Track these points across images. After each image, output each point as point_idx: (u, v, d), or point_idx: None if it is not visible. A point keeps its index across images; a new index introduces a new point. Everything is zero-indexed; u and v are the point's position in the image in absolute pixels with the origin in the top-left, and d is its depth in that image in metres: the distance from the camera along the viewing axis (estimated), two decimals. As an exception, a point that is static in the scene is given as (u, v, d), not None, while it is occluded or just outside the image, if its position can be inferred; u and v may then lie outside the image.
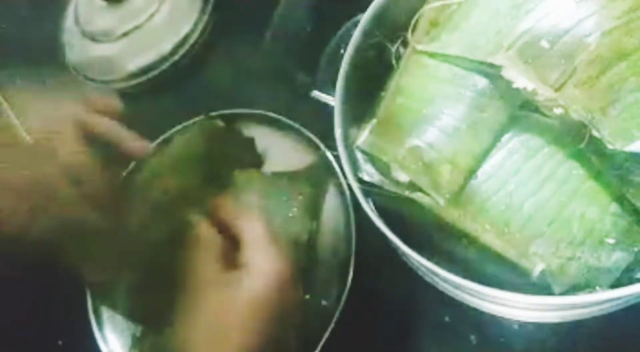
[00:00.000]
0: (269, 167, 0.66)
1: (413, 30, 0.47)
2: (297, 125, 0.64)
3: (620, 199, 0.38)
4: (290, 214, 0.59)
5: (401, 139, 0.42)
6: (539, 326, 0.46)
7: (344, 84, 0.45)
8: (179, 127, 0.66)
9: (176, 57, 0.78)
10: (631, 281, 0.36)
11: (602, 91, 0.38)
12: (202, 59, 0.78)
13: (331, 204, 0.59)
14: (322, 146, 0.59)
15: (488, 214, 0.39)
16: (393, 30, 0.47)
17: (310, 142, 0.63)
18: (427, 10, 0.47)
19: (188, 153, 0.62)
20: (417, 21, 0.47)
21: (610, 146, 0.37)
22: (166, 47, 0.78)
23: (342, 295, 0.52)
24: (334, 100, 0.44)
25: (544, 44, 0.39)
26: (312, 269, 0.57)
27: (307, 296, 0.55)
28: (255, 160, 0.65)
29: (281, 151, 0.65)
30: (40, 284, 0.55)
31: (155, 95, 0.78)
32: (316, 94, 0.48)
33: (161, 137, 0.66)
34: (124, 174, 0.58)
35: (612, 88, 0.38)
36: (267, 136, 0.67)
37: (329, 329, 0.50)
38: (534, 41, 0.40)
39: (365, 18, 0.46)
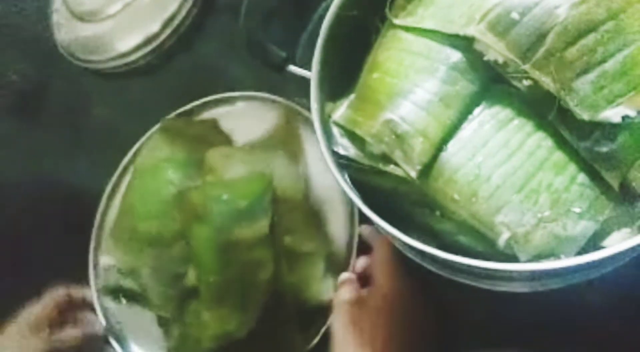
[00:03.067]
0: (243, 142, 0.68)
1: (390, 5, 0.47)
2: (261, 94, 0.66)
3: (588, 170, 0.39)
4: (277, 172, 0.61)
5: (375, 113, 0.43)
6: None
7: (321, 58, 0.46)
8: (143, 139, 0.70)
9: (163, 36, 0.79)
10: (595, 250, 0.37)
11: (571, 62, 0.38)
12: (187, 38, 0.79)
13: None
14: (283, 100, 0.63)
15: (457, 185, 0.39)
16: (371, 5, 0.48)
17: (280, 105, 0.66)
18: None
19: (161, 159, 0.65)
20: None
21: (578, 117, 0.38)
22: (154, 26, 0.79)
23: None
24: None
25: (515, 16, 0.40)
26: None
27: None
28: (225, 139, 0.67)
29: (252, 124, 0.67)
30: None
31: (143, 76, 0.78)
32: (293, 68, 0.49)
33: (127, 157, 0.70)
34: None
35: (581, 59, 0.38)
36: (234, 115, 0.69)
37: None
38: (505, 14, 0.40)
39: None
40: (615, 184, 0.37)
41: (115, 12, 0.79)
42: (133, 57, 0.79)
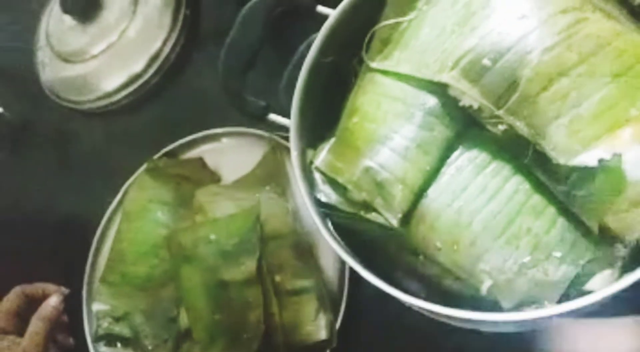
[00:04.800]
0: (230, 178, 0.68)
1: (367, 49, 0.48)
2: (246, 130, 0.67)
3: (567, 212, 0.39)
4: (265, 207, 0.61)
5: (355, 160, 0.43)
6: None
7: (299, 106, 0.46)
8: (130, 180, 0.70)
9: (148, 75, 0.79)
10: (579, 294, 0.37)
11: (544, 107, 0.38)
12: (173, 74, 0.79)
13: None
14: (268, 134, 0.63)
15: (438, 232, 0.40)
16: (347, 48, 0.48)
17: (266, 140, 0.66)
18: (380, 28, 0.48)
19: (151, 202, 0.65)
20: (370, 39, 0.48)
21: (554, 161, 0.38)
22: (138, 64, 0.79)
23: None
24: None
25: (487, 62, 0.40)
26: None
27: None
28: (212, 177, 0.67)
29: (239, 159, 0.67)
30: None
31: (129, 114, 0.79)
32: (273, 117, 0.49)
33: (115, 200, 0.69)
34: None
35: (555, 104, 0.38)
36: (221, 151, 0.69)
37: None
38: (477, 60, 0.40)
39: (318, 38, 0.46)
40: (594, 227, 0.38)
41: (98, 52, 0.79)
42: (118, 97, 0.79)
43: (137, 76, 0.79)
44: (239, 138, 0.69)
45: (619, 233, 0.38)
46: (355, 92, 0.47)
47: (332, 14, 0.47)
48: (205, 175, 0.68)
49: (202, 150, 0.70)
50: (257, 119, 0.49)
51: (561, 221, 0.39)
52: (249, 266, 0.57)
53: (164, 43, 0.80)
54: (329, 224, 0.43)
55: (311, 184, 0.44)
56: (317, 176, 0.45)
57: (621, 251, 0.38)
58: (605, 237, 0.38)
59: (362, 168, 0.42)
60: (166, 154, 0.70)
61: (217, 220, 0.60)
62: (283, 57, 0.49)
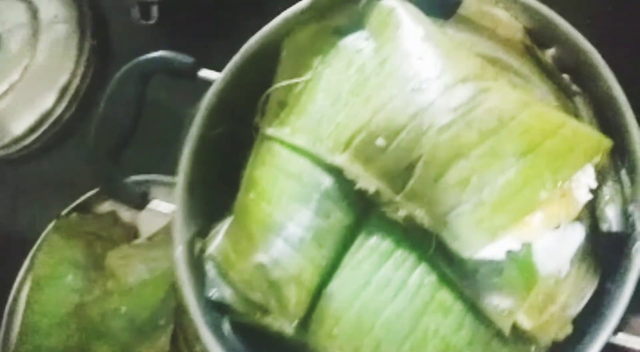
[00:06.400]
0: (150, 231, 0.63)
1: (263, 112, 0.43)
2: (164, 177, 0.60)
3: (476, 310, 0.35)
4: None
5: (249, 252, 0.38)
6: None
7: (187, 186, 0.41)
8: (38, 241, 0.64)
9: (59, 111, 0.73)
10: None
11: (444, 194, 0.34)
12: (85, 112, 0.73)
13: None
14: None
15: (337, 340, 0.35)
16: (239, 115, 0.43)
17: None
18: (274, 90, 0.43)
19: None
20: (266, 101, 0.43)
21: (457, 254, 0.34)
22: (48, 101, 0.73)
23: None
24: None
25: (381, 142, 0.35)
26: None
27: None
28: (127, 234, 0.62)
29: (157, 211, 0.62)
30: None
31: (41, 159, 0.72)
32: (155, 203, 0.44)
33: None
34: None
35: (455, 190, 0.34)
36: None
37: None
38: (371, 139, 0.36)
39: (200, 110, 0.41)
40: (505, 328, 0.34)
41: (0, 93, 0.72)
42: (29, 140, 0.73)
43: (48, 114, 0.73)
44: (157, 187, 0.63)
45: (533, 334, 0.34)
46: (253, 161, 0.42)
47: (218, 79, 0.42)
48: (118, 232, 0.62)
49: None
50: (138, 207, 0.44)
51: (470, 319, 0.35)
52: (161, 341, 0.52)
53: (73, 75, 0.74)
54: (227, 324, 0.39)
55: (201, 279, 0.40)
56: (210, 267, 0.40)
57: (537, 352, 0.34)
58: (519, 338, 0.34)
59: (255, 263, 0.38)
60: (79, 207, 0.65)
61: (127, 289, 0.56)
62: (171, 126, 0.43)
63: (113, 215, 0.64)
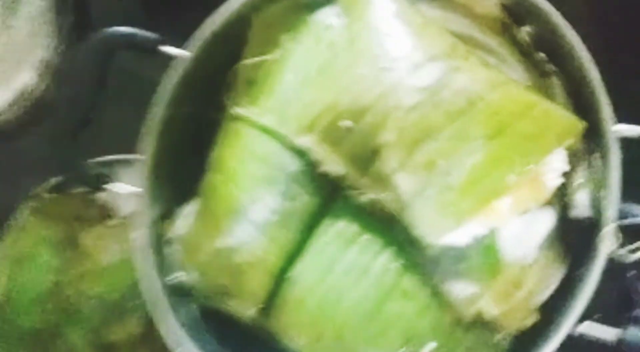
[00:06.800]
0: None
1: (230, 90, 0.41)
2: (120, 157, 0.59)
3: (441, 295, 0.34)
4: None
5: (213, 234, 0.37)
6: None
7: (153, 166, 0.40)
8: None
9: (35, 86, 0.72)
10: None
11: (409, 177, 0.33)
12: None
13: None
14: None
15: (301, 325, 0.35)
16: (207, 94, 0.41)
17: None
18: (243, 67, 0.41)
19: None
20: (233, 80, 0.41)
21: (422, 239, 0.33)
22: (24, 77, 0.71)
23: None
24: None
25: (346, 123, 0.34)
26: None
27: None
28: (101, 214, 0.61)
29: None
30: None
31: (14, 138, 0.71)
32: (118, 185, 0.43)
33: None
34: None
35: (421, 173, 0.33)
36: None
37: None
38: (337, 120, 0.34)
39: (165, 88, 0.40)
40: (467, 314, 0.33)
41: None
42: (4, 117, 0.71)
43: (25, 90, 0.71)
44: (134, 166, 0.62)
45: (498, 322, 0.33)
46: (221, 142, 0.41)
47: (183, 55, 0.40)
48: (94, 212, 0.61)
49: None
50: (95, 189, 0.43)
51: (435, 306, 0.34)
52: (134, 324, 0.52)
53: (50, 50, 0.72)
54: (189, 310, 0.38)
55: (165, 262, 0.39)
56: (174, 249, 0.39)
57: (502, 341, 0.33)
58: (484, 325, 0.34)
59: (219, 246, 0.37)
60: (55, 186, 0.64)
61: (100, 270, 0.55)
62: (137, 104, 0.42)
63: (89, 195, 0.63)
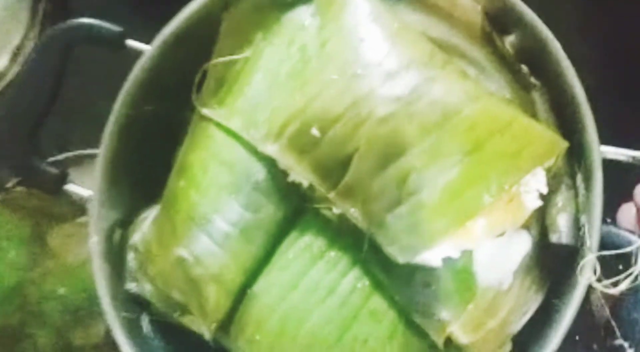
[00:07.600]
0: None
1: (198, 90, 0.39)
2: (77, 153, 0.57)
3: (410, 319, 0.32)
4: None
5: (171, 245, 0.35)
6: None
7: (107, 171, 0.38)
8: None
9: (10, 76, 0.69)
10: None
11: (379, 193, 0.31)
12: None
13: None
14: None
15: (259, 346, 0.33)
16: (173, 93, 0.39)
17: None
18: (213, 66, 0.39)
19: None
20: (201, 79, 0.39)
21: (392, 259, 0.31)
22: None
23: None
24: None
25: (315, 132, 0.32)
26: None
27: None
28: (71, 210, 0.59)
29: None
30: None
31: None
32: (72, 188, 0.41)
33: None
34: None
35: (391, 189, 0.31)
36: (88, 176, 0.60)
37: None
38: (305, 129, 0.32)
39: (125, 87, 0.37)
40: (438, 341, 0.31)
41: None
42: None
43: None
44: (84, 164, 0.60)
45: (469, 351, 0.31)
46: (188, 143, 0.39)
47: (147, 51, 0.38)
48: (64, 208, 0.59)
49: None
50: (52, 193, 0.41)
51: (404, 329, 0.32)
52: (97, 329, 0.50)
53: (26, 38, 0.69)
54: (144, 323, 0.36)
55: (121, 271, 0.37)
56: (131, 258, 0.37)
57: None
58: (451, 348, 0.32)
59: (176, 258, 0.34)
60: (25, 180, 0.61)
61: (65, 270, 0.53)
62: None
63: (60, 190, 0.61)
